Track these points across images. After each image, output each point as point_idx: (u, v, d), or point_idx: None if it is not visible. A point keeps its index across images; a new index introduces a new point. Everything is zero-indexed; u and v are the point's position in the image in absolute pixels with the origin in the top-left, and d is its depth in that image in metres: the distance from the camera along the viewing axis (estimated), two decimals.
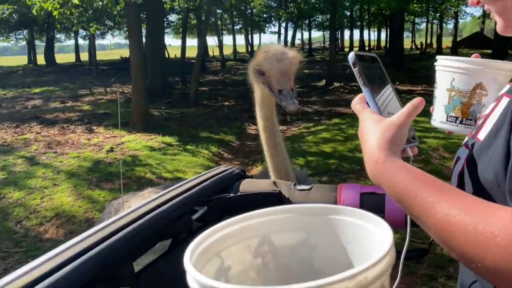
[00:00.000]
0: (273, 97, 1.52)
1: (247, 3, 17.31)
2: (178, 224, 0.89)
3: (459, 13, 27.49)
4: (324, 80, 16.73)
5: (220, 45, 28.96)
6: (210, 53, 37.86)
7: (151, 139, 8.37)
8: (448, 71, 0.86)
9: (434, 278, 3.41)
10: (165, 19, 25.27)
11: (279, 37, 31.65)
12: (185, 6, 11.86)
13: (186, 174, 6.46)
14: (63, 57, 40.80)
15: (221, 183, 1.11)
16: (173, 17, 31.76)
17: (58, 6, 8.65)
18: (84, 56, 35.49)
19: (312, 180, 3.01)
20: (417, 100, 0.73)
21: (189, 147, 7.86)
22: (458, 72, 0.85)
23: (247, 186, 1.13)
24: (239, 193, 1.10)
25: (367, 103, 0.77)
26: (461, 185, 0.71)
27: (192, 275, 0.50)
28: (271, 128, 1.66)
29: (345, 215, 0.63)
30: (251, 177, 1.22)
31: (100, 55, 42.67)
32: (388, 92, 0.79)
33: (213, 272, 0.60)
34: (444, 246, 0.58)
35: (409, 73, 18.82)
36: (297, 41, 42.28)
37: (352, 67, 0.76)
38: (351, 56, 0.76)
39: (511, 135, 0.60)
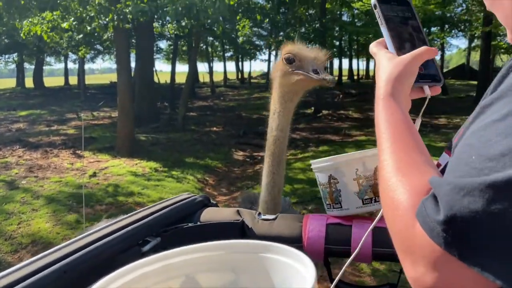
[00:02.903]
0: (308, 77, 1.48)
1: (237, 31, 17.60)
2: (123, 258, 0.81)
3: (445, 45, 28.27)
4: (312, 108, 16.87)
5: (211, 72, 29.25)
6: (201, 79, 38.16)
7: (136, 164, 8.25)
8: (352, 164, 1.04)
9: None
10: (155, 44, 25.51)
11: (269, 64, 32.07)
12: (175, 32, 11.96)
13: None
14: (53, 81, 40.74)
15: (181, 212, 1.03)
16: (164, 43, 32.09)
17: (48, 30, 8.65)
18: (74, 80, 35.45)
19: (295, 210, 2.94)
20: (432, 47, 0.76)
21: (174, 172, 7.75)
22: (363, 161, 1.03)
23: (208, 215, 1.05)
24: (198, 223, 1.03)
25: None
26: None
27: None
28: (282, 142, 1.58)
29: (275, 253, 0.57)
30: (216, 205, 1.15)
31: (90, 79, 42.76)
32: (416, 33, 0.80)
33: None
34: None
35: None
36: None
37: (373, 8, 0.79)
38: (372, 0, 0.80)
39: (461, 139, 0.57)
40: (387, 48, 0.78)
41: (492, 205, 0.44)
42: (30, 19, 8.80)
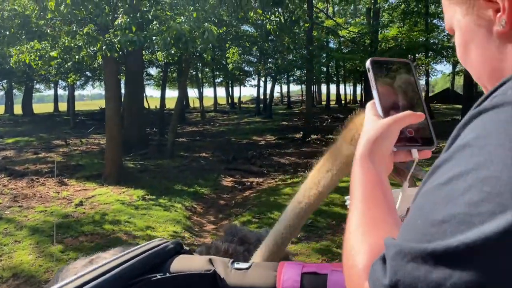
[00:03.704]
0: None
1: (226, 58, 17.85)
2: None
3: (430, 71, 28.95)
4: (301, 132, 16.98)
5: (201, 97, 29.42)
6: (191, 105, 38.33)
7: (123, 192, 8.14)
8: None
9: None
10: (145, 71, 25.66)
11: (258, 89, 32.38)
12: (165, 60, 12.07)
13: (156, 230, 6.23)
14: (42, 107, 40.57)
15: (151, 260, 1.00)
16: (154, 70, 32.31)
17: (36, 59, 8.67)
18: (63, 106, 35.36)
19: None
20: (418, 113, 0.75)
21: (161, 200, 7.66)
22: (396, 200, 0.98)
23: (180, 264, 1.02)
24: (168, 274, 0.99)
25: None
26: None
27: None
28: (322, 198, 1.50)
29: None
30: (190, 251, 1.11)
31: (80, 106, 42.67)
32: (411, 96, 0.79)
33: None
34: None
35: None
36: (276, 94, 43.39)
37: (367, 70, 0.80)
38: (367, 62, 0.79)
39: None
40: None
41: (432, 273, 0.45)
42: (18, 47, 8.83)
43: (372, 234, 0.59)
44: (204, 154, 13.35)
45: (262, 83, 30.93)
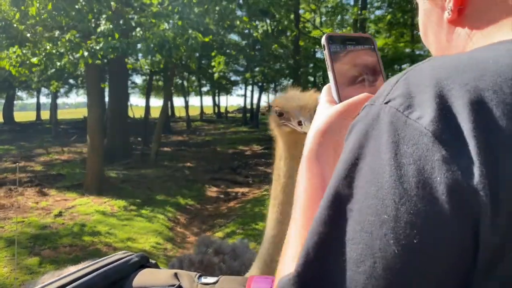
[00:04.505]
0: (295, 128, 1.43)
1: (213, 67, 17.84)
2: None
3: None
4: None
5: (186, 106, 29.27)
6: (177, 114, 38.11)
7: (104, 202, 7.96)
8: None
9: None
10: (129, 79, 25.46)
11: (245, 99, 32.40)
12: (148, 68, 11.97)
13: (137, 241, 6.08)
14: (25, 115, 39.89)
15: (112, 275, 0.92)
16: (139, 78, 32.09)
17: (17, 65, 8.47)
18: (46, 115, 34.78)
19: (254, 251, 2.82)
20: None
21: (143, 211, 7.51)
22: None
23: (143, 278, 0.94)
24: None
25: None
26: None
27: None
28: (291, 189, 1.47)
29: None
30: (156, 264, 1.03)
31: (64, 114, 42.09)
32: (373, 78, 0.68)
33: None
34: None
35: None
36: (263, 104, 43.45)
37: (322, 48, 0.68)
38: (322, 39, 0.68)
39: None
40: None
41: None
42: None
43: (287, 265, 0.53)
44: (188, 163, 13.22)
45: (249, 93, 30.98)
